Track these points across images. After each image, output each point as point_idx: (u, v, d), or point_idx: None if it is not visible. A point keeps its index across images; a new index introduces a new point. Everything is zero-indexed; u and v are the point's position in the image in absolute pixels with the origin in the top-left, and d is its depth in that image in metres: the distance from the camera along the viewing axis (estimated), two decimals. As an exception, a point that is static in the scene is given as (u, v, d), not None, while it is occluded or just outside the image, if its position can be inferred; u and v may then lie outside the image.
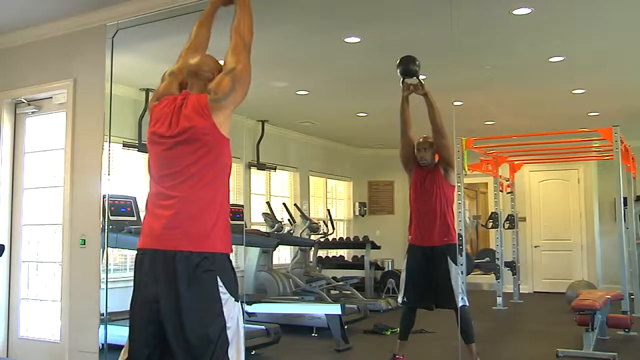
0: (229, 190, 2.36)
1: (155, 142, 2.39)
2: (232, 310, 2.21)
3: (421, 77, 5.39)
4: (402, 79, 4.21)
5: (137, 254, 2.33)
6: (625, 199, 5.45)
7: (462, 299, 4.04)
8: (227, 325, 2.18)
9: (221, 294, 2.18)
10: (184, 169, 2.28)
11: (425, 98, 4.16)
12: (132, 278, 2.32)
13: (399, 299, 4.29)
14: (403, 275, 4.30)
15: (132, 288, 2.33)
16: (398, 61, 4.17)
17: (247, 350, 2.62)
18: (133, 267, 2.34)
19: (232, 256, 2.33)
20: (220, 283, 2.19)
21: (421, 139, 4.27)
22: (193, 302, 2.15)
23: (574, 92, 5.84)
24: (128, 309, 2.33)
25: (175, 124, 2.32)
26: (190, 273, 2.16)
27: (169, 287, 2.17)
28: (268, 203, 7.45)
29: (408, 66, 4.17)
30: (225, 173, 2.34)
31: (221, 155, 2.31)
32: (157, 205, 2.34)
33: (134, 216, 5.08)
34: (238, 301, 2.25)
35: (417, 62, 4.16)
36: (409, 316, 4.23)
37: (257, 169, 7.47)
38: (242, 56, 2.43)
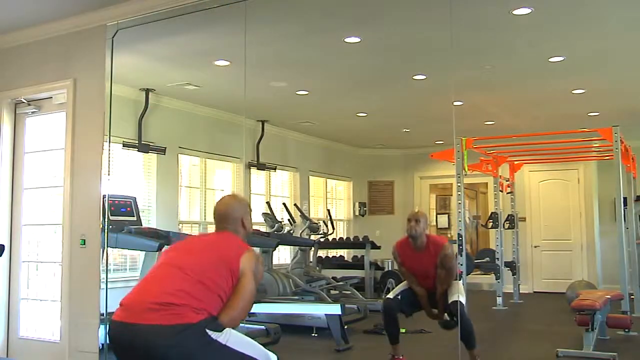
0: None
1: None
2: (224, 335, 2.37)
3: (421, 77, 5.40)
4: None
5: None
6: (625, 199, 5.45)
7: (463, 298, 4.05)
8: (224, 343, 2.34)
9: (217, 340, 2.33)
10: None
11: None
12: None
13: (390, 294, 4.31)
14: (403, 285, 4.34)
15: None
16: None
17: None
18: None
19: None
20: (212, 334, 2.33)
21: (413, 211, 4.33)
22: None
23: (574, 92, 5.83)
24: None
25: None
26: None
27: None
28: (268, 203, 7.45)
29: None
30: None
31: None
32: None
33: (133, 216, 5.08)
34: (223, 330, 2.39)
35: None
36: (391, 320, 4.24)
37: (257, 169, 7.47)
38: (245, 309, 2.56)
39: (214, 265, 2.46)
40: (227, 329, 2.38)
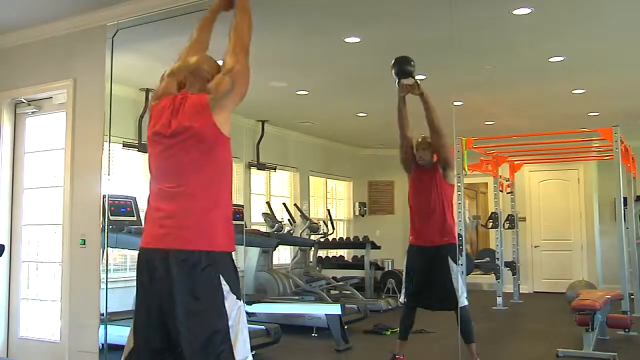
0: (231, 189, 2.37)
1: (155, 142, 2.39)
2: (233, 307, 2.21)
3: (421, 77, 5.39)
4: (397, 80, 4.19)
5: (139, 254, 2.33)
6: (625, 199, 5.45)
7: (465, 298, 4.05)
8: (230, 323, 2.18)
9: (223, 287, 2.19)
10: (185, 167, 2.28)
11: (422, 98, 4.15)
12: (135, 278, 2.32)
13: (400, 299, 4.30)
14: (404, 274, 4.31)
15: (133, 288, 2.34)
16: (393, 62, 4.16)
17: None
18: (135, 267, 2.35)
19: (232, 256, 2.33)
20: (222, 278, 2.20)
21: (420, 139, 4.28)
22: (195, 299, 2.16)
23: (574, 92, 5.83)
24: (129, 309, 2.33)
25: (174, 123, 2.33)
26: (192, 270, 2.17)
27: (171, 285, 2.17)
28: (268, 203, 7.45)
29: (403, 66, 4.16)
30: (226, 171, 2.35)
31: (222, 154, 2.32)
32: (158, 203, 2.35)
33: (134, 216, 5.08)
34: (240, 300, 2.25)
35: (412, 62, 4.15)
36: (409, 316, 4.23)
37: (257, 169, 7.46)
38: (241, 57, 2.43)
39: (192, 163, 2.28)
40: (240, 302, 2.23)
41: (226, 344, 2.17)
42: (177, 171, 2.30)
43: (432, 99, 4.18)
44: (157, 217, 2.31)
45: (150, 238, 2.30)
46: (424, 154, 4.24)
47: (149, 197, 2.42)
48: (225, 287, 2.20)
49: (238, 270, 2.36)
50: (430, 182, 4.21)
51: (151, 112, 2.47)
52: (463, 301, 4.03)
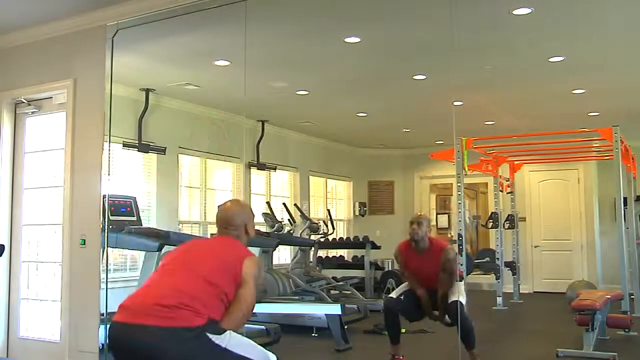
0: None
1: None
2: (224, 338, 2.38)
3: (421, 77, 5.40)
4: None
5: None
6: (625, 199, 5.45)
7: (462, 297, 4.05)
8: (224, 346, 2.35)
9: (218, 343, 2.34)
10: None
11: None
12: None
13: (393, 294, 4.32)
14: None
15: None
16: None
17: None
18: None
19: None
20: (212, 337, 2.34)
21: (415, 214, 4.46)
22: None
23: (574, 92, 5.83)
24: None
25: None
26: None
27: None
28: (268, 203, 7.45)
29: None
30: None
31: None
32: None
33: (134, 216, 5.08)
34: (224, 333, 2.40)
35: None
36: (393, 321, 4.25)
37: (257, 169, 7.47)
38: (247, 312, 2.55)
39: (217, 268, 2.47)
40: (227, 332, 2.38)
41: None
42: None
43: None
44: None
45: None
46: (418, 228, 4.23)
47: None
48: (216, 339, 2.35)
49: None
50: (428, 270, 4.24)
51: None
52: (460, 299, 4.03)
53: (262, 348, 2.51)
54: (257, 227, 6.96)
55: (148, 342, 2.27)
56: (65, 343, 4.44)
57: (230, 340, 2.37)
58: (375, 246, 7.48)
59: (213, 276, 2.43)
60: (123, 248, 4.86)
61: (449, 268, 4.14)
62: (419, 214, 4.32)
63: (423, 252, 4.23)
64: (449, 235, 7.47)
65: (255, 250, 6.99)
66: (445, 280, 4.14)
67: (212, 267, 2.48)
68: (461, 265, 4.52)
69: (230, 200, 2.90)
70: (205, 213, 6.92)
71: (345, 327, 5.20)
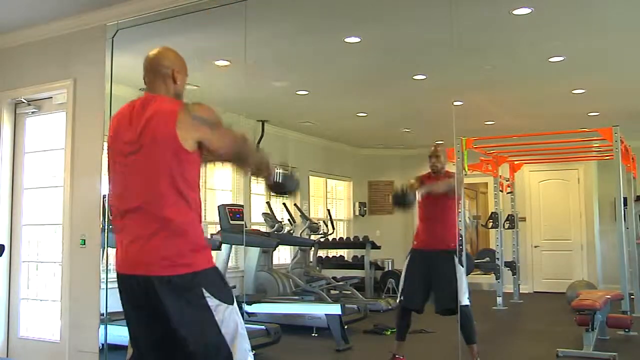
0: (199, 203, 2.25)
1: (116, 149, 2.30)
2: (225, 316, 2.15)
3: (421, 77, 5.40)
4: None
5: (117, 277, 2.26)
6: (625, 199, 5.45)
7: (466, 298, 4.06)
8: (223, 331, 2.13)
9: (209, 304, 2.12)
10: (146, 180, 2.18)
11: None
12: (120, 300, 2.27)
13: (398, 299, 4.32)
14: (402, 276, 4.33)
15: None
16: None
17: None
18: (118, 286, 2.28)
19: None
20: (206, 294, 2.12)
21: (432, 147, 4.34)
22: (185, 319, 2.11)
23: (574, 92, 5.83)
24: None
25: (135, 127, 2.20)
26: (174, 296, 2.10)
27: (157, 312, 2.11)
28: (268, 203, 7.44)
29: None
30: (188, 186, 2.19)
31: (182, 167, 2.17)
32: (125, 223, 2.26)
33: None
34: (232, 304, 2.18)
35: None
36: (404, 317, 4.24)
37: (257, 169, 7.45)
38: (236, 145, 2.32)
39: (154, 171, 2.15)
40: (225, 305, 2.14)
41: (223, 353, 2.14)
42: (142, 187, 2.20)
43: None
44: (127, 240, 2.23)
45: (125, 263, 2.21)
46: (437, 161, 4.30)
47: (113, 217, 2.35)
48: (209, 299, 2.12)
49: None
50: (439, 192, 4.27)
51: (111, 121, 2.36)
52: (465, 300, 4.03)
53: (249, 346, 2.24)
54: (257, 227, 7.00)
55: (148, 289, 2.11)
56: (65, 343, 4.44)
57: (224, 316, 2.13)
58: (375, 246, 7.47)
59: (154, 186, 2.13)
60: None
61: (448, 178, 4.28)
62: (435, 146, 4.36)
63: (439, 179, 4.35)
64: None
65: (255, 250, 7.01)
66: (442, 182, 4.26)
67: (151, 174, 2.15)
68: (461, 265, 4.51)
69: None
70: (205, 213, 6.91)
71: (345, 327, 5.21)
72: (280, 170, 2.54)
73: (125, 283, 2.22)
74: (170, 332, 2.13)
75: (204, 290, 2.12)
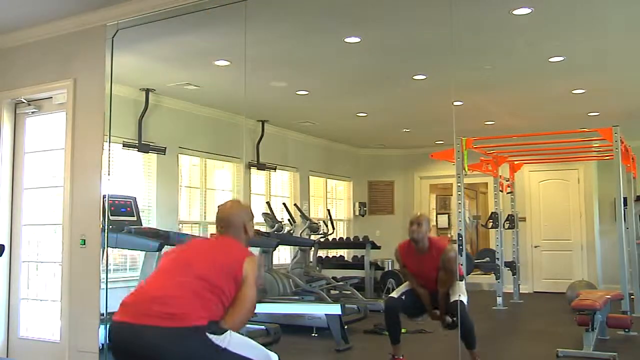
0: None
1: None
2: (224, 338, 2.38)
3: (421, 77, 5.39)
4: None
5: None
6: (625, 199, 5.45)
7: (459, 296, 4.05)
8: (224, 346, 2.35)
9: (218, 344, 2.35)
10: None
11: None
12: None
13: (394, 294, 4.33)
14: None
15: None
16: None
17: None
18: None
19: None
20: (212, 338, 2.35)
21: (415, 215, 4.32)
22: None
23: (574, 92, 5.83)
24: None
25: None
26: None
27: None
28: (268, 203, 7.45)
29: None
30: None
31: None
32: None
33: (134, 216, 5.08)
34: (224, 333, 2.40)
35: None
36: (394, 320, 4.25)
37: (257, 169, 7.47)
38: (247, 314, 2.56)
39: (216, 268, 2.48)
40: (227, 332, 2.39)
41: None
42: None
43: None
44: None
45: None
46: (418, 229, 4.22)
47: None
48: (215, 340, 2.36)
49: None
50: (428, 269, 4.26)
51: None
52: (461, 298, 4.03)
53: (263, 348, 2.52)
54: (257, 227, 7.00)
55: (148, 342, 2.27)
56: (65, 343, 4.44)
57: (230, 340, 2.37)
58: (375, 246, 7.48)
59: (212, 276, 2.43)
60: (123, 248, 4.86)
61: (449, 267, 4.14)
62: (418, 214, 4.30)
63: (423, 252, 4.24)
64: (449, 235, 7.47)
65: (255, 250, 7.01)
66: (445, 279, 4.14)
67: (211, 267, 2.48)
68: (461, 265, 4.52)
69: (230, 201, 2.92)
70: (205, 213, 6.92)
71: (345, 327, 5.21)
72: None
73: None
74: None
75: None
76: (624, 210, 5.38)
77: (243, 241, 2.73)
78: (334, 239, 8.07)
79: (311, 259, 7.57)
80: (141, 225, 5.19)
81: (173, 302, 2.32)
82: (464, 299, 4.05)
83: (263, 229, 7.02)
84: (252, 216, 2.82)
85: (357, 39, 4.73)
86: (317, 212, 8.49)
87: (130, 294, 2.47)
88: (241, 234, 2.72)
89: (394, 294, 4.40)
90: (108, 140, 4.38)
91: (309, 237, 7.52)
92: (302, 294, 6.57)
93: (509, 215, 6.72)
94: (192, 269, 2.46)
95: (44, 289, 4.95)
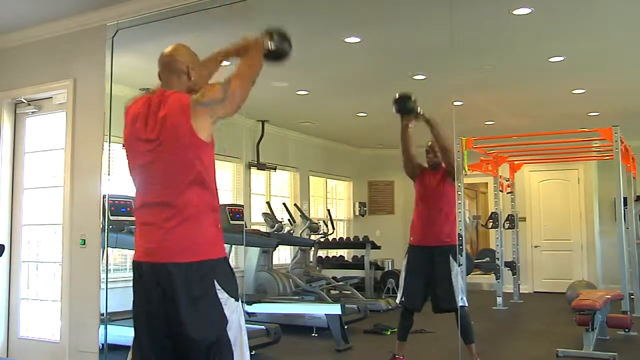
0: (216, 193, 2.31)
1: (134, 147, 2.32)
2: (232, 310, 2.21)
3: (421, 77, 5.40)
4: (400, 116, 4.28)
5: (133, 266, 2.30)
6: (625, 199, 5.45)
7: (461, 299, 4.05)
8: (229, 326, 2.19)
9: (220, 298, 2.18)
10: (167, 174, 2.23)
11: (429, 125, 4.21)
12: (132, 288, 2.30)
13: (397, 299, 4.31)
14: (402, 275, 4.32)
15: (132, 289, 2.33)
16: (394, 99, 4.26)
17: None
18: (132, 277, 2.32)
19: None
20: (218, 286, 2.18)
21: (430, 142, 4.33)
22: (195, 310, 2.15)
23: (574, 92, 5.84)
24: (129, 308, 2.33)
25: (152, 125, 2.24)
26: (189, 283, 2.15)
27: (171, 299, 2.16)
28: (268, 203, 7.45)
29: (404, 105, 4.26)
30: (208, 177, 2.26)
31: (201, 159, 2.23)
32: (146, 215, 2.29)
33: (133, 216, 5.07)
34: (238, 301, 2.25)
35: (413, 99, 4.25)
36: (407, 317, 4.24)
37: (257, 169, 7.47)
38: (245, 81, 2.40)
39: (175, 166, 2.21)
40: (236, 302, 2.22)
41: (225, 348, 2.19)
42: (159, 178, 2.25)
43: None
44: (147, 230, 2.27)
45: (143, 252, 2.25)
46: (433, 155, 4.32)
47: (135, 207, 2.36)
48: (220, 291, 2.18)
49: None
50: (437, 184, 4.27)
51: (126, 114, 2.37)
52: (462, 301, 4.04)
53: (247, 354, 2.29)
54: (257, 227, 7.00)
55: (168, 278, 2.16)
56: (65, 343, 4.44)
57: (233, 318, 2.20)
58: (375, 246, 7.48)
59: (176, 175, 2.20)
60: (123, 248, 4.85)
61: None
62: (430, 143, 4.36)
63: (436, 169, 4.34)
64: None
65: (255, 250, 7.01)
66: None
67: (170, 169, 2.22)
68: (461, 265, 4.52)
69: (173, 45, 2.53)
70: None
71: (345, 327, 5.21)
72: (272, 35, 2.61)
73: (141, 271, 2.26)
74: (177, 336, 2.18)
75: (215, 282, 2.18)
76: (624, 210, 5.38)
77: (185, 88, 2.34)
78: (334, 239, 8.07)
79: (311, 259, 7.57)
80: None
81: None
82: (462, 297, 4.06)
83: (263, 228, 7.02)
84: (198, 61, 2.49)
85: (357, 39, 4.73)
86: (317, 212, 8.49)
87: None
88: (183, 78, 2.36)
89: (402, 297, 4.33)
90: (108, 140, 4.38)
91: (309, 237, 7.52)
92: (302, 294, 6.57)
93: (509, 215, 6.72)
94: (156, 185, 2.25)
95: (44, 289, 4.95)
